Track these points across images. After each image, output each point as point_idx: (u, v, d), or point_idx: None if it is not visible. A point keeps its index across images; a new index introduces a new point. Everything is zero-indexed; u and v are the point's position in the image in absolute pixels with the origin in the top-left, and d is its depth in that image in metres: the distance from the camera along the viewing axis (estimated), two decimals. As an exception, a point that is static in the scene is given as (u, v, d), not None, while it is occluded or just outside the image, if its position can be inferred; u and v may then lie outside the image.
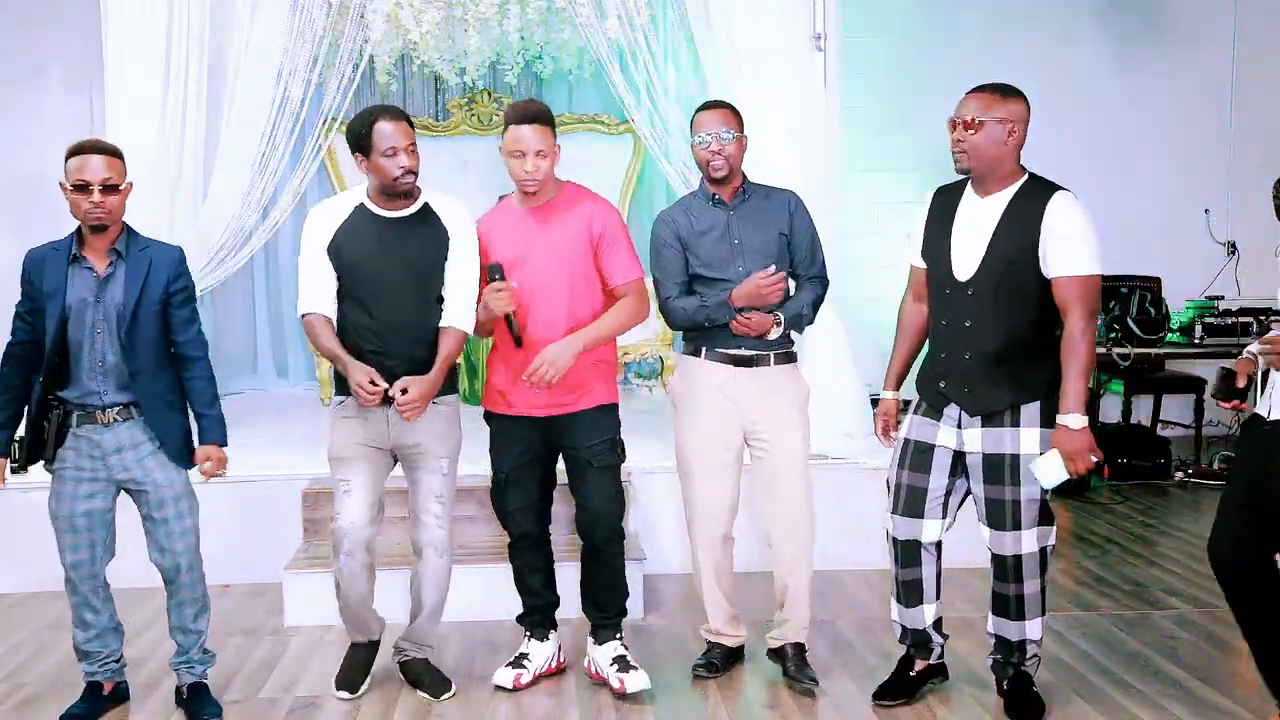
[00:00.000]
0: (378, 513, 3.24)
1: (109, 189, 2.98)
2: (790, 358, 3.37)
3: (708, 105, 3.40)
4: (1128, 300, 5.95)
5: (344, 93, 5.00)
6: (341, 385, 3.23)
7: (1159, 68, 6.78)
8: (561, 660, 3.45)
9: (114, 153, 3.05)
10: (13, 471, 3.19)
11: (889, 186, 6.27)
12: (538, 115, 3.16)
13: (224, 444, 3.18)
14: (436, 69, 6.20)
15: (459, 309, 3.22)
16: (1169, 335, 5.98)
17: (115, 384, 3.06)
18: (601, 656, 3.35)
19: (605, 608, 3.37)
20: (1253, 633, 2.85)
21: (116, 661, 3.23)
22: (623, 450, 3.32)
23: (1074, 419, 2.86)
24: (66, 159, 3.01)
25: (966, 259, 2.97)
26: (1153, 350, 5.88)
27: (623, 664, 3.30)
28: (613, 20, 4.75)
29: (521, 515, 3.33)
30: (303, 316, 3.23)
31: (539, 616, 3.42)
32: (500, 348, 3.29)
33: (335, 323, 3.21)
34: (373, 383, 3.08)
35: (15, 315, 3.08)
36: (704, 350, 3.32)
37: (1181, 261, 6.55)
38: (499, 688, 3.33)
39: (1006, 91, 2.93)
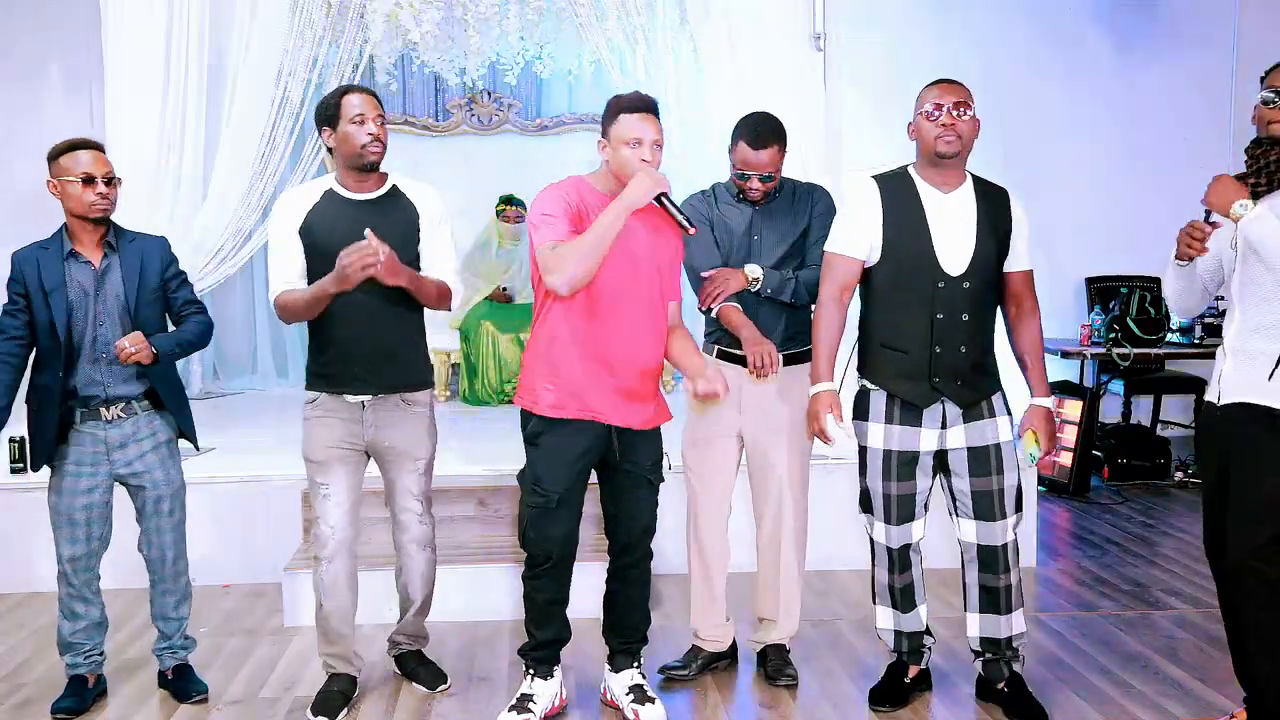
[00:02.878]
0: (358, 514, 3.19)
1: (110, 181, 3.10)
2: (799, 359, 3.27)
3: (758, 140, 3.20)
4: (1128, 300, 5.95)
5: (344, 93, 5.00)
6: (313, 382, 3.14)
7: (1159, 68, 6.78)
8: (564, 698, 3.21)
9: (103, 148, 3.16)
10: (11, 472, 3.20)
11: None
12: (652, 105, 2.98)
13: (160, 355, 3.08)
14: (436, 69, 6.21)
15: (446, 272, 3.15)
16: (1169, 335, 5.98)
17: (119, 376, 3.12)
18: (617, 685, 3.18)
19: (628, 633, 3.18)
20: (1243, 628, 2.80)
21: (100, 655, 3.28)
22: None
23: (1050, 402, 3.11)
24: (58, 156, 3.09)
25: (955, 253, 2.96)
26: (1153, 350, 5.88)
27: (639, 694, 3.13)
28: (613, 20, 4.76)
29: (568, 541, 3.01)
30: (276, 299, 3.07)
31: (548, 653, 3.13)
32: (580, 341, 2.94)
33: None
34: (361, 269, 2.86)
35: (4, 314, 3.11)
36: (715, 349, 3.33)
37: (1182, 261, 6.54)
38: None
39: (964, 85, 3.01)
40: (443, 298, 3.15)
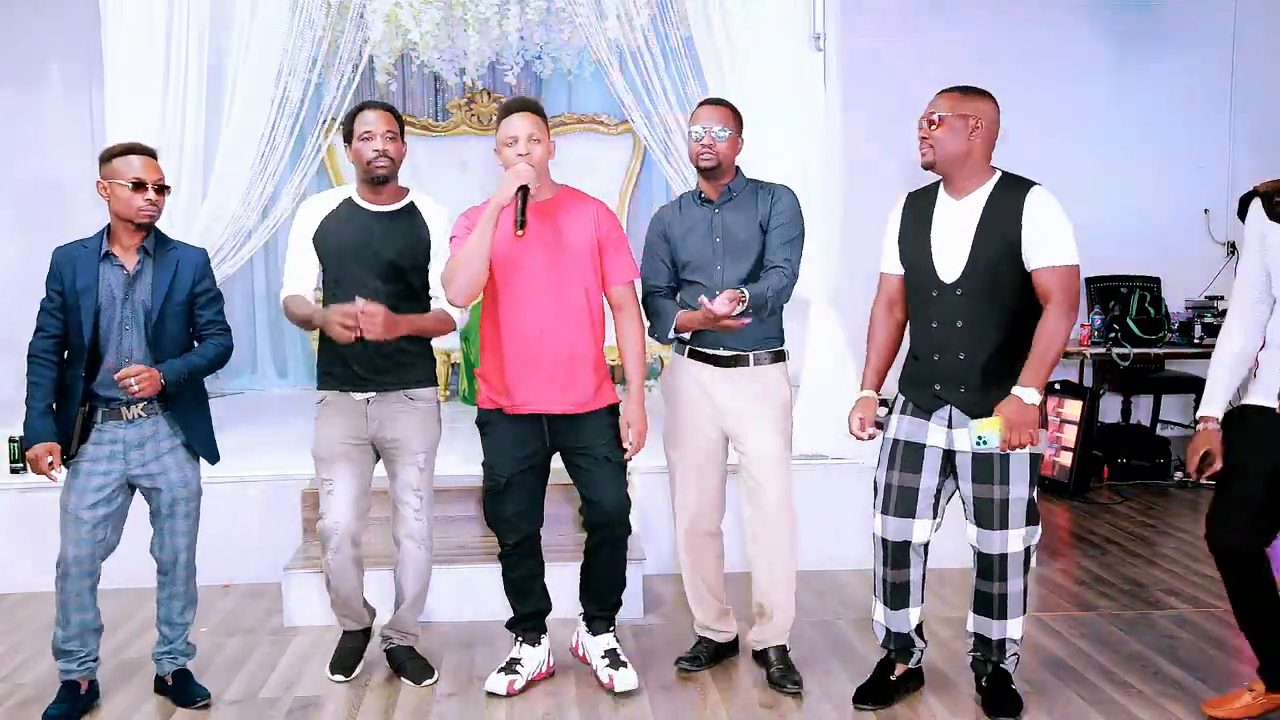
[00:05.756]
0: (363, 508, 3.31)
1: (162, 189, 3.15)
2: (777, 358, 3.32)
3: (708, 100, 3.41)
4: (1128, 300, 5.96)
5: (344, 93, 5.01)
6: (322, 380, 3.32)
7: (1159, 68, 6.78)
8: (552, 665, 3.42)
9: (156, 154, 3.22)
10: (12, 472, 3.19)
11: (889, 187, 6.27)
12: (527, 104, 3.14)
13: (168, 383, 3.08)
14: (436, 69, 6.21)
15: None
16: (1169, 335, 5.98)
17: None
18: (594, 647, 3.38)
19: (603, 599, 3.39)
20: (1251, 614, 2.98)
21: (94, 660, 3.24)
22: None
23: (1030, 393, 2.83)
24: (111, 158, 3.11)
25: (950, 260, 2.97)
26: (1153, 350, 5.88)
27: (614, 659, 3.33)
28: (612, 20, 4.76)
29: (521, 519, 3.27)
30: (284, 299, 3.31)
31: (533, 622, 3.39)
32: (499, 338, 3.18)
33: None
34: (349, 323, 3.03)
35: (43, 311, 3.12)
36: (687, 349, 3.33)
37: (1181, 261, 6.55)
38: (492, 694, 3.28)
39: (969, 91, 2.98)
40: (444, 326, 3.29)
